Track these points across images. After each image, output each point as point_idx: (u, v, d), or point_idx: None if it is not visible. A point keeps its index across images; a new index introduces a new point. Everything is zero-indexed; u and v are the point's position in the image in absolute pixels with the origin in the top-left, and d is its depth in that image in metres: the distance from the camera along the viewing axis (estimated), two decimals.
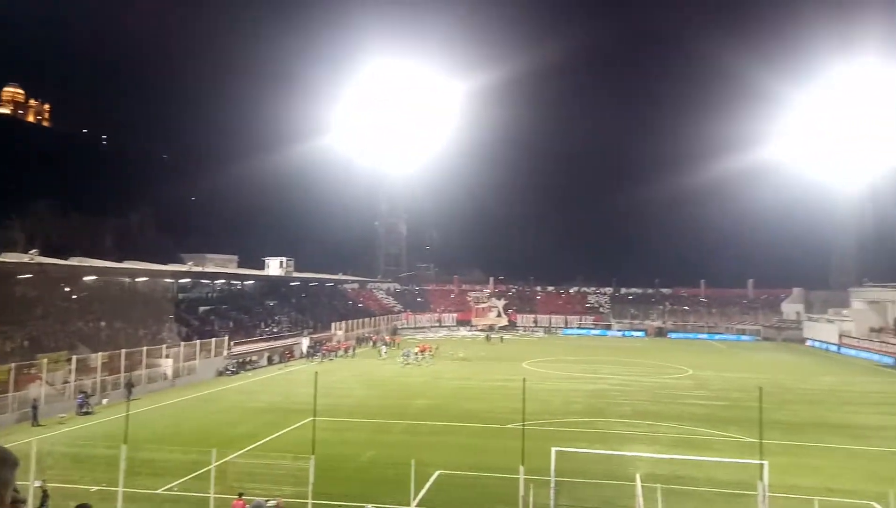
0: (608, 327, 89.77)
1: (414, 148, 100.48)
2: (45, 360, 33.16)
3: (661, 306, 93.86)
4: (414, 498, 16.80)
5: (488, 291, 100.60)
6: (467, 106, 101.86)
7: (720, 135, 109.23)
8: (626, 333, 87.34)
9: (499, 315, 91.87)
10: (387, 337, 70.14)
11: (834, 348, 68.58)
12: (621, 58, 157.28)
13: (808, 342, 75.64)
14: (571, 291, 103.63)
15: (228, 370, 45.96)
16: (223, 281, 62.97)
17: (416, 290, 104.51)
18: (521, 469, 15.95)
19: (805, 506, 16.29)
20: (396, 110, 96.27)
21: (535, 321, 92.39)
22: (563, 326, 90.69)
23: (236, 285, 65.31)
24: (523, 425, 17.55)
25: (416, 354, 53.88)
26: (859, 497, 18.98)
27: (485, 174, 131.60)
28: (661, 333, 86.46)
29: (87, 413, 31.25)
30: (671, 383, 43.82)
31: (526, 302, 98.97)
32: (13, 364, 31.10)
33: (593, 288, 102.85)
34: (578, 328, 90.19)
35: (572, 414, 31.89)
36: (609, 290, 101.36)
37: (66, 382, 33.52)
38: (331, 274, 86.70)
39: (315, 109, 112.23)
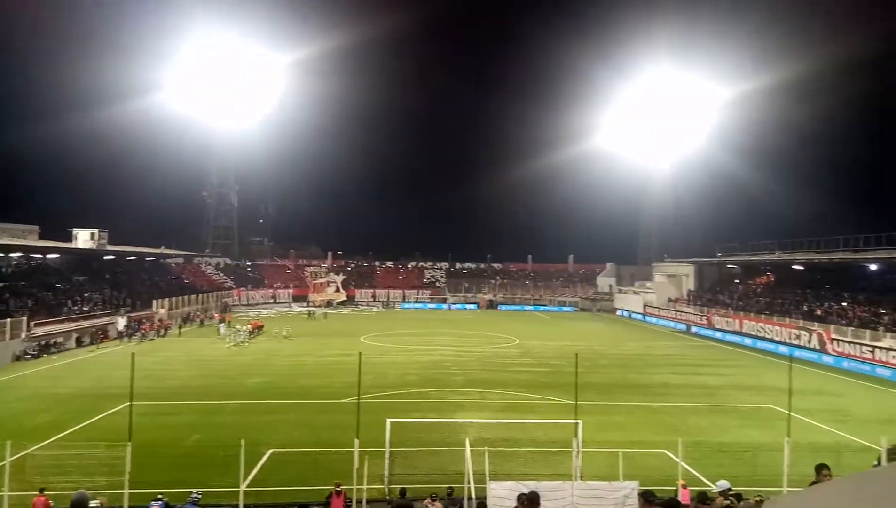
0: (444, 300, 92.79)
1: (248, 117, 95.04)
2: None
3: (492, 281, 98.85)
4: (244, 479, 16.19)
5: (326, 266, 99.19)
6: (305, 75, 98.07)
7: (549, 124, 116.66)
8: (461, 306, 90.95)
9: (337, 290, 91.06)
10: (216, 314, 66.54)
11: (639, 316, 76.98)
12: (462, 39, 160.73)
13: (619, 312, 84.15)
14: (409, 266, 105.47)
15: (28, 354, 40.86)
16: (20, 254, 55.56)
17: (249, 265, 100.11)
18: (356, 441, 16.02)
19: (611, 458, 18.11)
20: (228, 77, 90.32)
21: (374, 296, 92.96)
22: (400, 300, 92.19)
23: (37, 258, 57.94)
24: (358, 398, 17.59)
25: (248, 331, 51.82)
26: (656, 447, 21.55)
27: (324, 148, 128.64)
28: (492, 305, 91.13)
29: None
30: (501, 352, 46.44)
31: (364, 277, 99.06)
32: None
33: (430, 263, 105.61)
34: (416, 301, 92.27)
35: (408, 386, 32.61)
36: (445, 265, 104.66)
37: None
38: (152, 247, 79.99)
39: (137, 66, 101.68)
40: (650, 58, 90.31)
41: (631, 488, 14.37)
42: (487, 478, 15.25)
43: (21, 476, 16.01)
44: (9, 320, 40.86)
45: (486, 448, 17.31)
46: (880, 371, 38.35)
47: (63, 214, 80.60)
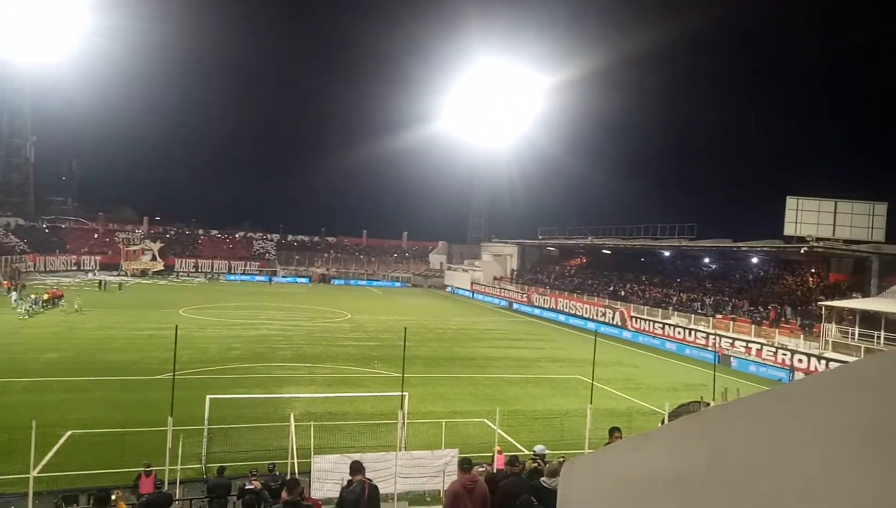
0: (274, 273, 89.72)
1: (45, 55, 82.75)
2: None
3: (325, 254, 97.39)
4: (36, 465, 14.52)
5: (141, 231, 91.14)
6: (117, 13, 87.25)
7: (392, 105, 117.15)
8: (292, 279, 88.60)
9: (153, 259, 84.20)
10: (4, 282, 58.42)
11: (468, 293, 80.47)
12: (313, 18, 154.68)
13: (448, 289, 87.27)
14: (237, 236, 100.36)
15: None
16: None
17: (47, 227, 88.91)
18: (170, 419, 15.06)
19: (435, 428, 18.85)
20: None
21: (197, 267, 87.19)
22: (226, 271, 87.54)
23: None
24: (174, 374, 16.48)
25: (43, 301, 46.24)
26: (476, 416, 22.79)
27: (142, 102, 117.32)
28: (325, 279, 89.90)
29: None
30: (331, 326, 46.07)
31: (186, 246, 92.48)
32: None
33: (260, 234, 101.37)
34: (243, 274, 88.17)
35: (231, 361, 31.22)
36: (276, 237, 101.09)
37: None
38: None
39: None
40: (485, 45, 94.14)
41: (451, 455, 15.09)
42: (312, 452, 15.15)
43: None
44: None
45: (311, 422, 17.17)
46: (668, 345, 43.80)
47: None
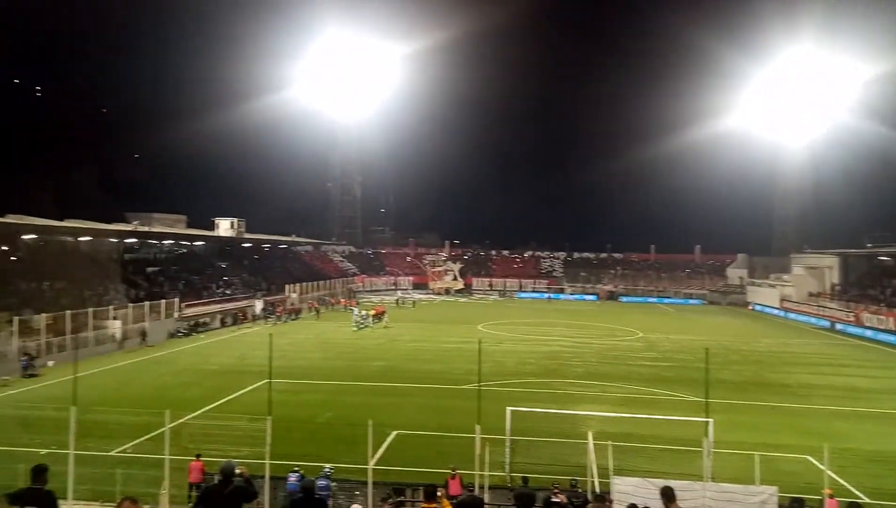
0: (561, 290, 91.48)
1: (369, 110, 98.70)
2: None
3: (612, 271, 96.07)
4: (371, 458, 16.93)
5: (444, 254, 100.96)
6: (422, 67, 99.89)
7: (673, 106, 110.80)
8: (579, 296, 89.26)
9: (455, 279, 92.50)
10: (342, 300, 69.79)
11: (775, 311, 71.68)
12: (580, 24, 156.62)
13: (752, 306, 78.86)
14: (526, 255, 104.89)
15: (180, 333, 45.09)
16: (172, 242, 61.27)
17: (371, 253, 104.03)
18: (478, 428, 16.22)
19: (745, 461, 17.09)
20: (351, 70, 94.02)
21: (491, 285, 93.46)
22: (517, 289, 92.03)
23: (186, 245, 63.64)
24: (479, 386, 17.80)
25: (372, 317, 53.94)
26: (796, 451, 20.07)
27: (441, 137, 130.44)
28: (612, 296, 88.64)
29: (32, 376, 30.32)
30: (622, 345, 45.13)
31: (481, 266, 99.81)
32: None
33: (547, 252, 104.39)
34: (533, 291, 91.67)
35: (526, 375, 32.57)
36: (562, 254, 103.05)
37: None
38: (284, 236, 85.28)
39: (268, 67, 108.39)
40: (788, 35, 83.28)
41: (769, 493, 13.51)
42: (611, 472, 14.94)
43: (178, 442, 17.71)
44: (163, 301, 45.28)
45: (608, 442, 16.95)
46: None
47: (206, 204, 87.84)
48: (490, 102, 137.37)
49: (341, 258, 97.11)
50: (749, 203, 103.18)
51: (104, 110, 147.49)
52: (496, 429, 18.51)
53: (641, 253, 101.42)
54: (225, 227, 69.71)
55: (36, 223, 43.81)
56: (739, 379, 32.70)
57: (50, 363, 32.55)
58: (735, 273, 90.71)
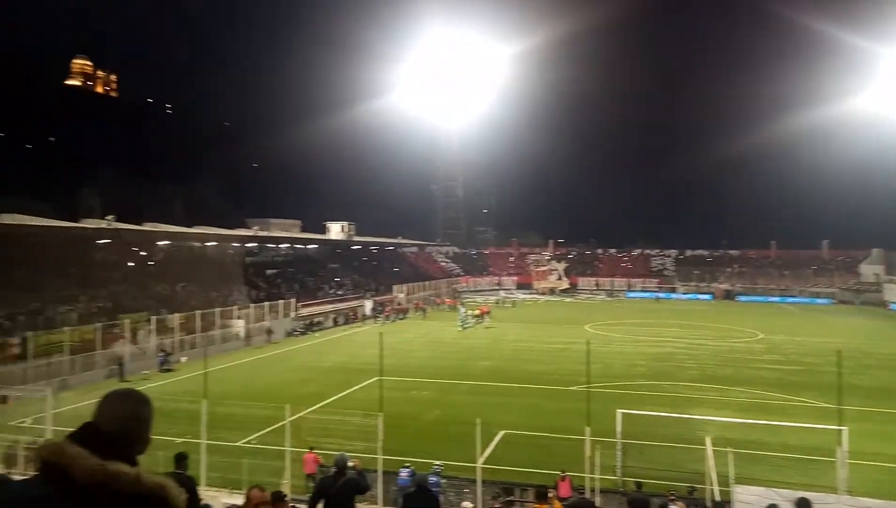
0: (673, 289, 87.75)
1: (470, 111, 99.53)
2: (128, 321, 35.10)
3: (728, 269, 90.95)
4: (480, 456, 17.06)
5: (548, 254, 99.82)
6: (524, 66, 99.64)
7: (793, 88, 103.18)
8: (692, 296, 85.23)
9: (559, 278, 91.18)
10: (447, 300, 70.72)
11: None
12: (681, 11, 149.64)
13: (890, 306, 71.90)
14: (634, 253, 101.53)
15: (296, 331, 47.50)
16: (288, 245, 64.71)
17: (475, 253, 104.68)
18: (587, 430, 15.91)
19: (887, 474, 15.66)
20: (453, 72, 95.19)
21: (597, 284, 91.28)
22: (625, 289, 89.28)
23: (301, 248, 67.01)
24: (588, 387, 17.44)
25: (476, 317, 54.22)
26: None
27: (543, 136, 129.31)
28: (729, 296, 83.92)
29: (167, 370, 33.05)
30: (741, 346, 42.64)
31: (587, 265, 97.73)
32: (99, 324, 33.08)
33: (657, 250, 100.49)
34: (642, 290, 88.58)
35: (636, 377, 31.55)
36: (673, 252, 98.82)
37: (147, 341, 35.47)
38: (390, 238, 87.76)
39: (372, 72, 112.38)
40: None
41: None
42: (732, 481, 14.17)
43: (297, 435, 18.68)
44: (281, 301, 47.92)
45: (728, 448, 16.08)
46: None
47: (318, 209, 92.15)
48: (593, 97, 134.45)
49: (445, 259, 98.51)
50: (884, 192, 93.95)
51: (227, 124, 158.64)
52: (606, 432, 18.08)
53: (761, 249, 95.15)
54: (336, 230, 72.77)
55: (169, 230, 47.82)
56: (877, 385, 29.93)
57: (183, 359, 35.34)
58: (869, 270, 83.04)
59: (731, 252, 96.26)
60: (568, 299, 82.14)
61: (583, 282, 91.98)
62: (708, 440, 16.72)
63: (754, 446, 19.35)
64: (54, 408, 18.13)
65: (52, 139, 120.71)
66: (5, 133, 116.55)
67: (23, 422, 21.27)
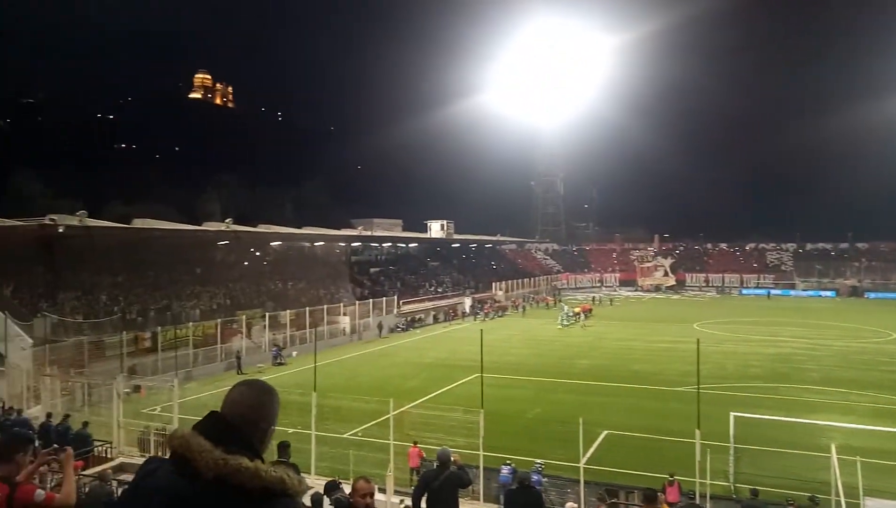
0: (791, 286, 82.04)
1: (569, 105, 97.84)
2: (244, 316, 37.41)
3: (855, 263, 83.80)
4: (583, 456, 16.77)
5: (653, 249, 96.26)
6: (623, 58, 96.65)
7: None
8: (814, 293, 79.29)
9: (665, 274, 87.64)
10: (547, 298, 69.91)
11: None
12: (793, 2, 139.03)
13: None
14: (747, 247, 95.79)
15: (399, 328, 48.70)
16: (390, 244, 66.43)
17: (575, 250, 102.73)
18: (698, 432, 15.23)
19: None
20: (551, 66, 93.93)
21: (707, 281, 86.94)
22: (738, 285, 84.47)
23: (402, 247, 68.60)
24: (698, 388, 16.66)
25: (577, 314, 53.25)
26: None
27: (645, 127, 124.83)
28: (856, 292, 77.36)
29: (280, 364, 34.91)
30: (870, 347, 39.24)
31: (695, 260, 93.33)
32: (219, 320, 35.49)
33: (773, 244, 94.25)
34: (757, 287, 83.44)
35: (751, 379, 29.81)
36: (792, 246, 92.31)
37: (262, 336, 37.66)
38: (489, 235, 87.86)
39: (469, 69, 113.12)
40: None
41: None
42: (861, 493, 13.10)
43: (400, 429, 19.18)
44: (384, 298, 49.31)
45: (857, 457, 14.85)
46: None
47: (419, 208, 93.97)
48: (700, 87, 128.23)
49: (545, 256, 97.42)
50: None
51: (332, 128, 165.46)
52: (718, 435, 17.26)
53: (893, 242, 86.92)
54: (436, 229, 73.86)
55: (280, 231, 50.43)
56: None
57: (294, 354, 37.20)
58: None
59: (859, 245, 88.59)
60: (675, 297, 78.87)
61: (691, 278, 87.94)
62: (833, 448, 15.54)
63: (886, 456, 17.78)
64: (180, 398, 19.62)
65: (177, 149, 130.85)
66: (138, 145, 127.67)
67: (154, 410, 23.22)
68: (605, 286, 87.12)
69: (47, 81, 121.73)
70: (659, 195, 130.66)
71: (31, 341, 27.41)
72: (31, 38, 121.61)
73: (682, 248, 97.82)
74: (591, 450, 18.97)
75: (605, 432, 20.91)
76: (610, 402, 25.69)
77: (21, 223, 31.87)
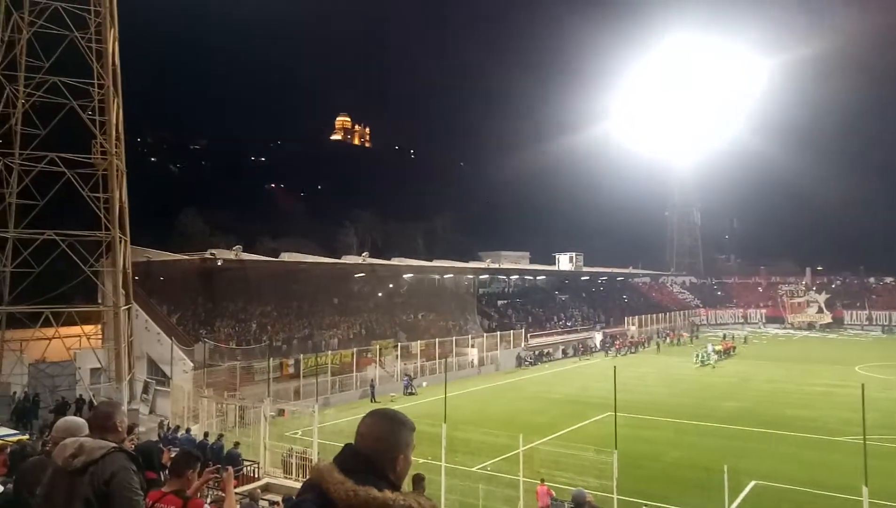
0: None
1: (707, 131, 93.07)
2: (378, 346, 38.85)
3: None
4: (728, 506, 15.56)
5: (805, 283, 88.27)
6: (769, 82, 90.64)
7: None
8: None
9: (820, 311, 79.91)
10: (683, 334, 66.12)
11: None
12: None
13: None
14: None
15: (527, 361, 48.20)
16: (517, 277, 66.28)
17: (715, 283, 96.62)
18: (865, 490, 13.64)
19: None
20: (687, 91, 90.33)
21: (870, 318, 78.08)
22: None
23: (529, 280, 68.18)
24: (864, 437, 14.93)
25: (718, 352, 49.76)
26: None
27: (796, 151, 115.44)
28: None
29: (411, 394, 35.75)
30: None
31: (856, 296, 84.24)
32: (355, 349, 37.14)
33: None
34: None
35: None
36: None
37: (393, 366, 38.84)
38: (620, 268, 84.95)
39: (595, 98, 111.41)
40: None
41: None
42: None
43: (529, 465, 18.87)
44: (512, 331, 49.15)
45: None
46: None
47: (546, 240, 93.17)
48: (854, 107, 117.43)
49: (681, 290, 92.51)
50: None
51: (462, 164, 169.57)
52: (889, 494, 15.36)
53: None
54: (564, 261, 72.72)
55: (413, 264, 52.16)
56: None
57: (424, 384, 37.95)
58: None
59: None
60: (831, 336, 71.56)
61: (851, 316, 79.38)
62: None
63: None
64: (319, 423, 20.65)
65: (319, 187, 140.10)
66: (286, 184, 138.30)
67: (296, 433, 24.59)
68: (749, 323, 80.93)
69: (210, 128, 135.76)
70: (810, 225, 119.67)
71: (192, 364, 30.26)
72: (198, 89, 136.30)
73: (838, 282, 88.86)
74: (738, 501, 17.56)
75: (754, 482, 19.26)
76: (759, 449, 23.66)
77: (186, 258, 35.66)
